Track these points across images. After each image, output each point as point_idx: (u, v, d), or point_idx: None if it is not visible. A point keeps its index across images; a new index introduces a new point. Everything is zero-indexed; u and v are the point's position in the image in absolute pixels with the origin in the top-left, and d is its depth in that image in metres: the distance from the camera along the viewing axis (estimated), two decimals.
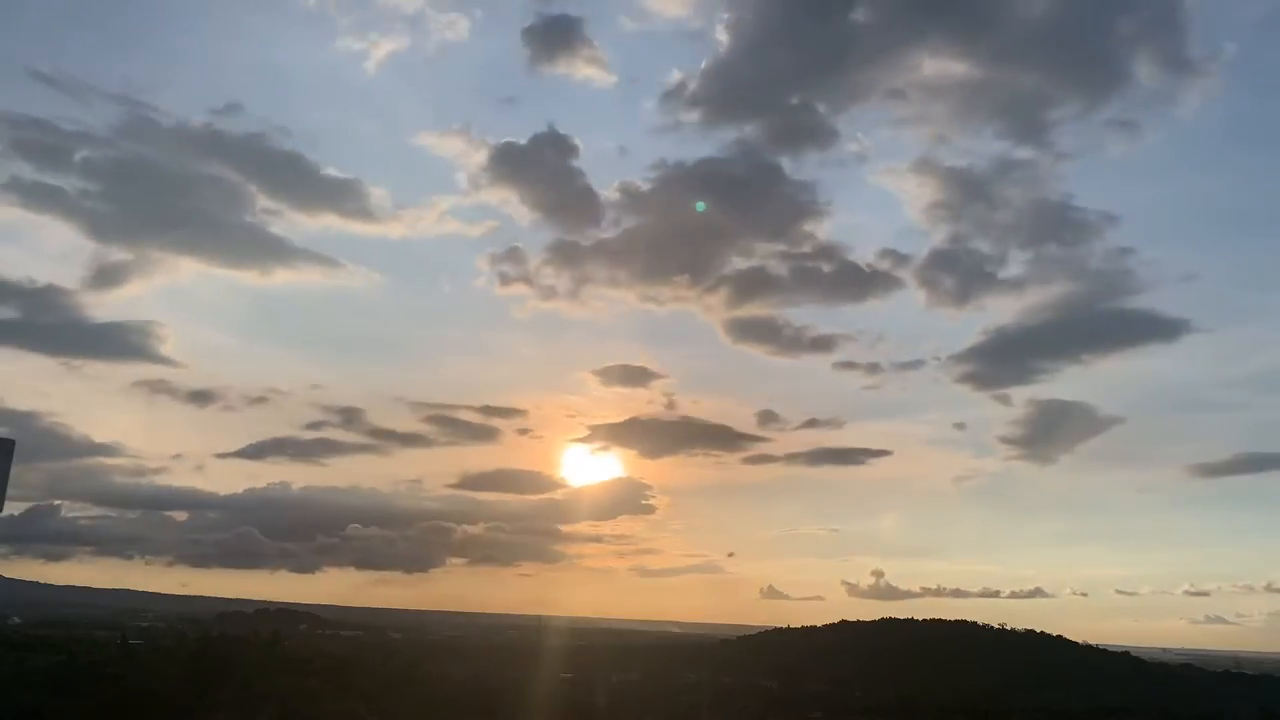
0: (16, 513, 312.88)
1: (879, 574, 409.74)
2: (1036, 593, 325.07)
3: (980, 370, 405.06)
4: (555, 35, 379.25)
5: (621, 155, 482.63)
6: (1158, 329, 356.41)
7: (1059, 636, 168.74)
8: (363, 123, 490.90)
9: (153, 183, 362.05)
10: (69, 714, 68.00)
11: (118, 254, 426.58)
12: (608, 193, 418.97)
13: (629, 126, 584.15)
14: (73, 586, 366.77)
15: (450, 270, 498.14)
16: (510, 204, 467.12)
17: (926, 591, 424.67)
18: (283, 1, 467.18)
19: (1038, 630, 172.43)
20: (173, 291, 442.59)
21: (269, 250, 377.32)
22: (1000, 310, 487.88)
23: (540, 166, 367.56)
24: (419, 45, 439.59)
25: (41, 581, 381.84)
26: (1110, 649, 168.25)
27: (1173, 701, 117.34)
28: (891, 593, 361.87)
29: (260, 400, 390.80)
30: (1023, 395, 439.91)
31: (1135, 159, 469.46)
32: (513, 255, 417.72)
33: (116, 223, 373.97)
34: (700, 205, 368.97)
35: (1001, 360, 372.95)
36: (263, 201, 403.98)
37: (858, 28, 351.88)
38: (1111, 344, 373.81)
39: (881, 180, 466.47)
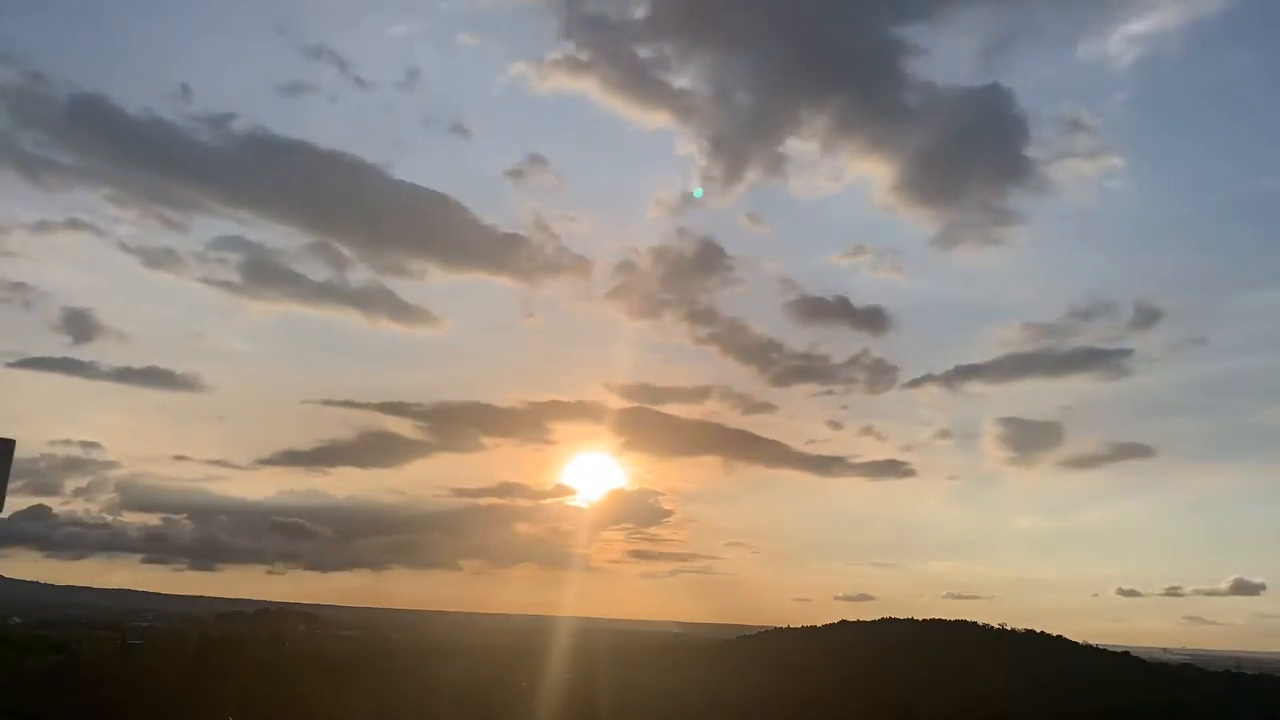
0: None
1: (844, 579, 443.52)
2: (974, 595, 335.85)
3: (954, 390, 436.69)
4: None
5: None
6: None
7: (1059, 636, 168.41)
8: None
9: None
10: (69, 714, 68.00)
11: None
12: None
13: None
14: (73, 586, 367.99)
15: (487, 311, 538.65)
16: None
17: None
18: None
19: (1038, 630, 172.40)
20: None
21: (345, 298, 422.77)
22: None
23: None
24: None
25: (41, 581, 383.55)
26: (1110, 649, 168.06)
27: (1174, 702, 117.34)
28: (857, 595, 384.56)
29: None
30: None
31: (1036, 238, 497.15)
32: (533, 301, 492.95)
33: None
34: (698, 191, 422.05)
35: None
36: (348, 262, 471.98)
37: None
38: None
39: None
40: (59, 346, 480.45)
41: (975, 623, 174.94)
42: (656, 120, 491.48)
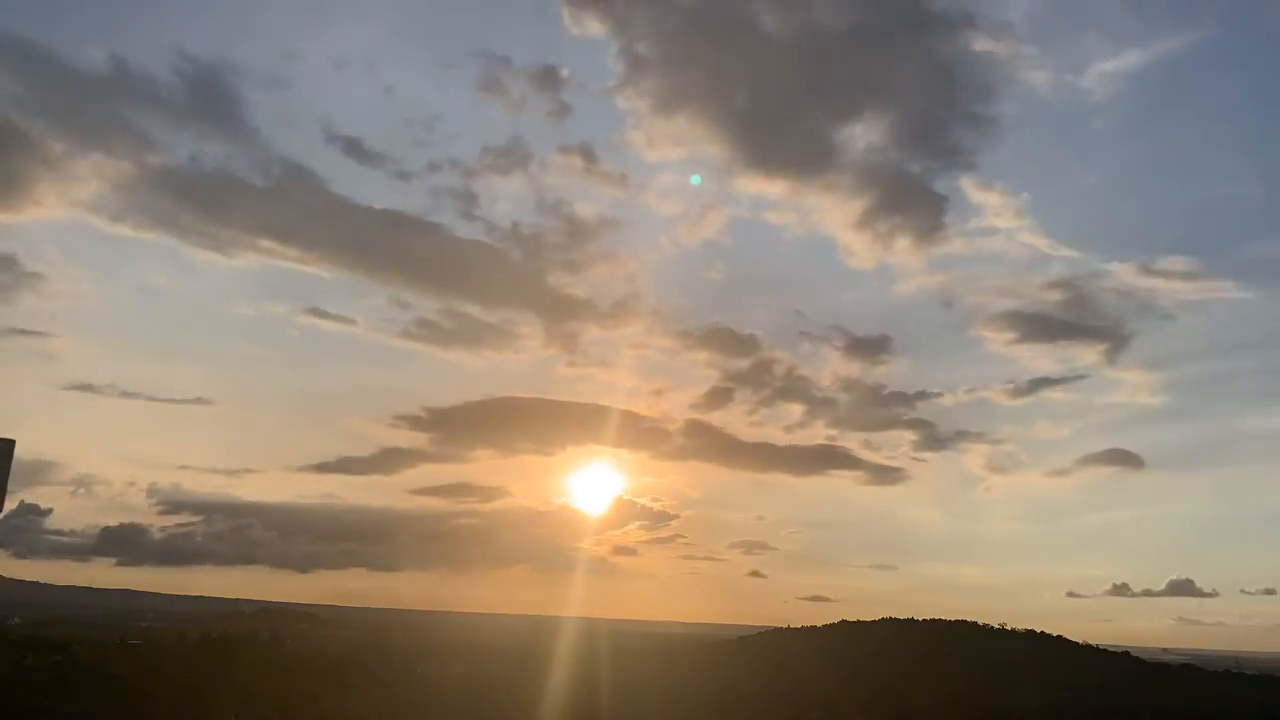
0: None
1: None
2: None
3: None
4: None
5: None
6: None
7: (1059, 636, 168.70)
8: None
9: None
10: (69, 714, 68.02)
11: None
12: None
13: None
14: (73, 587, 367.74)
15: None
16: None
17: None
18: None
19: (1038, 630, 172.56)
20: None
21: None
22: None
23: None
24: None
25: (42, 581, 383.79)
26: (1110, 649, 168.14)
27: (1174, 702, 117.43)
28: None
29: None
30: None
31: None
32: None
33: None
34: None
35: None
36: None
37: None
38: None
39: None
40: (119, 375, 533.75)
41: (975, 622, 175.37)
42: (634, 192, 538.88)
